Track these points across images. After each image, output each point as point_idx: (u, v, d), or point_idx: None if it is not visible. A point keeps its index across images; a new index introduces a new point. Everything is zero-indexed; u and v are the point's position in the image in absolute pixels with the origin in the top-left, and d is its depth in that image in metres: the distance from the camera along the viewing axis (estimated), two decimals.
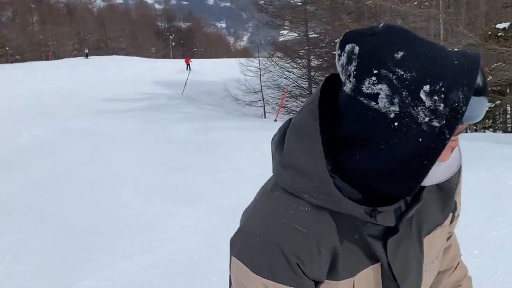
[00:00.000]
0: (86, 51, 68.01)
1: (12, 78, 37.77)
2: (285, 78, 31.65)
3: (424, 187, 1.24)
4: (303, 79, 32.54)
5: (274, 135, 1.27)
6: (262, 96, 31.61)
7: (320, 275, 1.20)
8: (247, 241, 1.18)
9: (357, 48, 1.08)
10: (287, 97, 29.19)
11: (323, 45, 32.57)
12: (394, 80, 1.05)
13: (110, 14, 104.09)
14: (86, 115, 21.03)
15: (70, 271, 5.52)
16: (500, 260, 5.01)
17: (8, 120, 19.40)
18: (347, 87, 1.10)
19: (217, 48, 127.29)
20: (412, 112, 1.05)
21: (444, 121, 1.05)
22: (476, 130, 27.64)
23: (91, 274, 5.39)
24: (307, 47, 32.23)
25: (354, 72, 1.08)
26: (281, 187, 1.21)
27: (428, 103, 1.04)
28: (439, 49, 1.08)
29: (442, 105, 1.04)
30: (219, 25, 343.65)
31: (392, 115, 1.06)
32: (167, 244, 6.14)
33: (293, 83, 31.73)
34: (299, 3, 32.95)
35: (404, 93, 1.05)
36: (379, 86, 1.06)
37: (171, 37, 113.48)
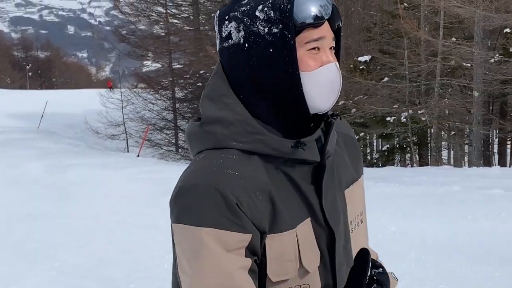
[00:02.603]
0: None
1: None
2: (148, 110, 30.66)
3: (330, 121, 1.37)
4: (167, 111, 31.70)
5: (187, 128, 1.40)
6: (125, 129, 30.39)
7: (262, 221, 1.24)
8: (183, 200, 1.24)
9: (217, 12, 1.35)
10: (151, 130, 28.22)
11: (188, 76, 32.03)
12: (238, 15, 1.29)
13: None
14: None
15: None
16: None
17: None
18: (217, 45, 1.35)
19: (78, 79, 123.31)
20: (254, 29, 1.27)
21: (281, 25, 1.25)
22: None
23: None
24: (171, 78, 31.49)
25: (217, 28, 1.34)
26: (205, 150, 1.31)
27: (262, 16, 1.26)
28: None
29: (272, 12, 1.26)
30: (80, 54, 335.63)
31: (242, 40, 1.28)
32: None
33: (158, 115, 30.80)
34: (162, 34, 32.27)
35: (245, 19, 1.28)
36: (230, 25, 1.30)
37: (28, 67, 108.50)
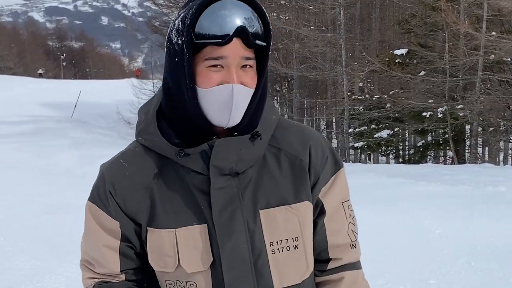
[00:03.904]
0: (40, 72, 64.22)
1: None
2: None
3: (217, 138, 1.38)
4: None
5: None
6: None
7: (138, 213, 1.40)
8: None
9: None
10: None
11: None
12: (180, 20, 1.32)
13: None
14: None
15: None
16: None
17: None
18: None
19: (111, 69, 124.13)
20: (171, 36, 1.34)
21: (183, 37, 1.29)
22: (368, 155, 27.55)
23: None
24: None
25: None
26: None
27: (176, 25, 1.33)
28: None
29: (181, 23, 1.31)
30: (113, 45, 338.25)
31: (166, 45, 1.37)
32: None
33: None
34: None
35: (170, 25, 1.36)
36: (170, 29, 1.36)
37: (62, 56, 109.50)
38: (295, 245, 1.46)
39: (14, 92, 41.93)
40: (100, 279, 1.48)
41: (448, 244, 6.05)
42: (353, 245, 1.59)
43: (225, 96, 1.31)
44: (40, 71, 68.28)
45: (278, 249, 1.44)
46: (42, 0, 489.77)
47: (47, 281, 5.72)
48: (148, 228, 1.39)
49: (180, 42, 1.30)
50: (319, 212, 1.53)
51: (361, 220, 6.03)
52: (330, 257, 1.57)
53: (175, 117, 1.38)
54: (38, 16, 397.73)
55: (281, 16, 27.02)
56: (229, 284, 1.40)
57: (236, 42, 1.29)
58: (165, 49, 1.37)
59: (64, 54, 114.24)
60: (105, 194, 1.41)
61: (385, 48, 27.92)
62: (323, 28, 24.20)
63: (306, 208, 1.47)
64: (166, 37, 1.36)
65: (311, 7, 23.68)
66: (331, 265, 1.57)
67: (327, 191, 1.52)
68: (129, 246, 1.44)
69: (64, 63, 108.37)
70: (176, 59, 1.31)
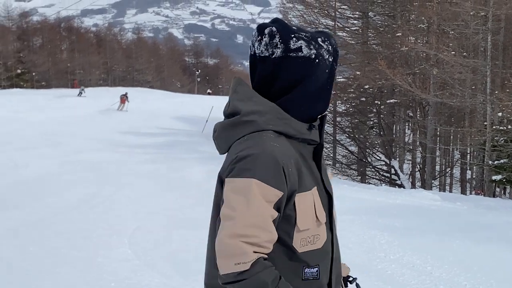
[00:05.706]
0: (209, 91, 75.23)
1: (34, 104, 36.95)
2: None
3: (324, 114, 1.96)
4: (328, 125, 31.12)
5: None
6: None
7: (294, 182, 1.74)
8: (242, 162, 1.71)
9: (273, 28, 1.84)
10: None
11: (351, 90, 31.32)
12: (304, 37, 1.82)
13: (139, 46, 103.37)
14: (99, 148, 19.78)
15: None
16: None
17: (18, 149, 18.09)
18: (277, 53, 1.82)
19: None
20: (321, 52, 1.83)
21: (332, 57, 1.88)
22: (503, 188, 25.80)
23: None
24: (334, 92, 30.86)
25: (280, 40, 1.82)
26: (246, 134, 1.79)
27: (325, 46, 1.85)
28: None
29: (330, 47, 1.87)
30: (246, 63, 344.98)
31: (313, 56, 1.82)
32: None
33: None
34: None
35: (313, 43, 1.82)
36: (299, 42, 1.81)
37: (197, 72, 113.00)
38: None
39: (154, 104, 43.70)
40: (261, 255, 1.66)
41: None
42: None
43: None
44: (208, 90, 79.27)
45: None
46: (182, 17, 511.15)
47: None
48: (297, 194, 1.75)
49: (330, 60, 1.88)
50: None
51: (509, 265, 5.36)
52: None
53: (297, 108, 1.84)
54: (177, 33, 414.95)
55: (419, 40, 26.17)
56: (335, 232, 1.95)
57: None
58: (314, 61, 1.84)
59: (199, 70, 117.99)
60: (278, 171, 1.69)
61: None
62: (464, 53, 23.11)
63: None
64: (315, 53, 1.84)
65: (451, 32, 22.69)
66: None
67: None
68: (278, 217, 1.72)
69: (199, 79, 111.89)
70: (327, 71, 1.87)
